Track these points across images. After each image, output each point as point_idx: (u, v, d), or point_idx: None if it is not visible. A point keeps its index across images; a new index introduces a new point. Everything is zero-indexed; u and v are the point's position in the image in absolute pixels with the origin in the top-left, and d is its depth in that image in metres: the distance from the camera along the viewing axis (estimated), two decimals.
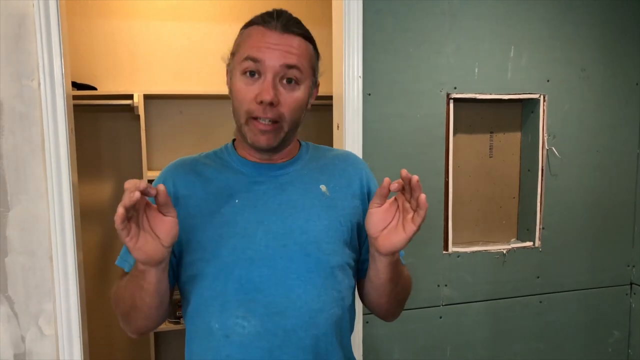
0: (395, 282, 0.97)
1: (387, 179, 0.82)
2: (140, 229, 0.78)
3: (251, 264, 0.91)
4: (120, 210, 0.73)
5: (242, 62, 0.89)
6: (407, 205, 0.84)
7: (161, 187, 0.77)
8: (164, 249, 0.80)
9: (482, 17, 1.75)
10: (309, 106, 0.98)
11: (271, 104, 0.88)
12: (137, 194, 0.72)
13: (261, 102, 0.88)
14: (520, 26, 1.79)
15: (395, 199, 0.87)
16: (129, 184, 0.74)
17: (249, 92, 0.89)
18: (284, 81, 0.90)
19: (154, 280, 0.85)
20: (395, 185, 0.81)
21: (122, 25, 2.68)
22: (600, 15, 1.86)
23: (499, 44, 1.78)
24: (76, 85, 2.51)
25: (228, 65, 0.95)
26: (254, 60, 0.88)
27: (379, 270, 0.93)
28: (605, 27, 1.87)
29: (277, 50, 0.88)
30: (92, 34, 2.64)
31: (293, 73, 0.89)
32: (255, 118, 0.90)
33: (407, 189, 0.82)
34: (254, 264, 0.91)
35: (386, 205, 0.87)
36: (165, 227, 0.80)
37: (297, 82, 0.91)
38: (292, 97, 0.90)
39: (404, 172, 0.80)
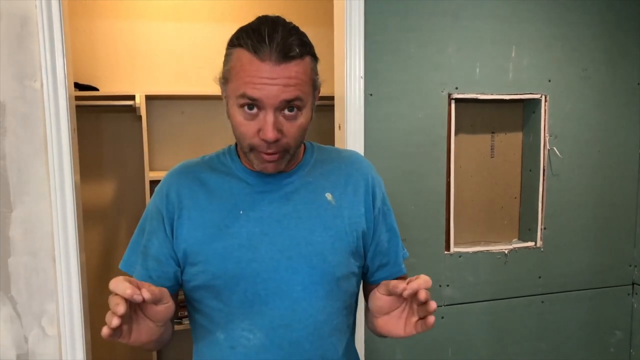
0: None
1: (402, 286, 0.77)
2: (131, 324, 0.74)
3: (256, 277, 0.90)
4: (104, 331, 0.68)
5: (238, 98, 0.84)
6: (415, 308, 0.80)
7: (146, 293, 0.70)
8: (159, 328, 0.78)
9: (484, 17, 1.75)
10: (313, 115, 0.94)
11: (275, 141, 0.84)
12: (117, 321, 0.67)
13: (264, 140, 0.84)
14: (521, 26, 1.79)
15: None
16: (115, 287, 0.68)
17: (250, 126, 0.85)
18: (286, 111, 0.84)
19: (153, 340, 0.82)
20: (407, 292, 0.77)
21: (124, 26, 2.68)
22: (601, 15, 1.86)
23: (500, 44, 1.78)
24: (78, 86, 2.51)
25: (222, 90, 0.90)
26: (251, 98, 0.82)
27: (376, 331, 0.92)
28: (607, 27, 1.87)
29: (275, 86, 0.81)
30: (94, 34, 2.65)
31: (294, 103, 0.84)
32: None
33: (418, 301, 0.77)
34: (259, 277, 0.90)
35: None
36: (159, 313, 0.76)
37: (299, 109, 0.85)
38: (295, 126, 0.86)
39: (423, 292, 0.75)
